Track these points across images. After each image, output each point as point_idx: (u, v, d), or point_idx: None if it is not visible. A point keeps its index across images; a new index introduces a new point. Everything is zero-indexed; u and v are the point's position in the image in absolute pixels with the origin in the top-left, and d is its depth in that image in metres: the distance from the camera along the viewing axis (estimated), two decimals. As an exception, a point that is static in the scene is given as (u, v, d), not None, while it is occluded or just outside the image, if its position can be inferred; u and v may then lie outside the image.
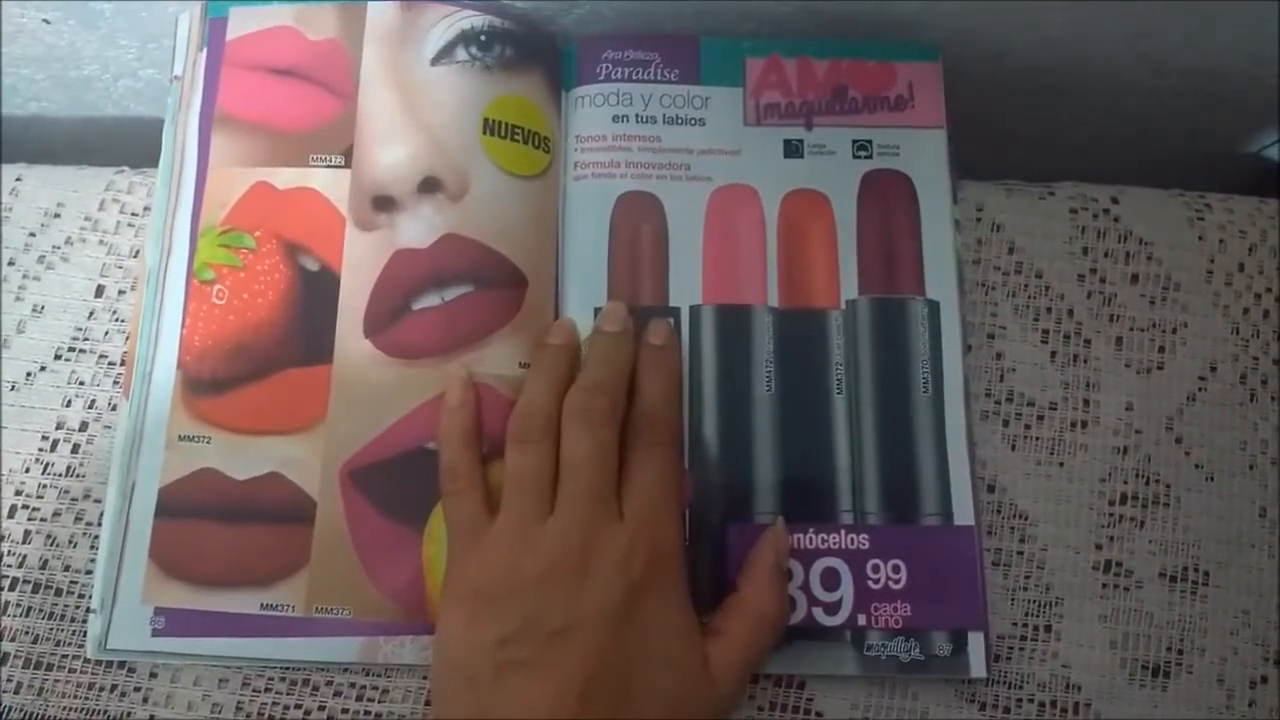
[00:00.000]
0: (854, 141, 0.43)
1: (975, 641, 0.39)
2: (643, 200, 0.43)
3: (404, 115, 0.42)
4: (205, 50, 0.44)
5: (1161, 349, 0.43)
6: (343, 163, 0.42)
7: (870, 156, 0.43)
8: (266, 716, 0.40)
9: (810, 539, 0.40)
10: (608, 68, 0.44)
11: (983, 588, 0.39)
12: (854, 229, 0.42)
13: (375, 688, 0.40)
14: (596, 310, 0.42)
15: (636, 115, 0.43)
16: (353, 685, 0.40)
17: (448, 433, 0.40)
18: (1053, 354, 0.43)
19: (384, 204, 0.41)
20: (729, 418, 0.41)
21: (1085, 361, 0.43)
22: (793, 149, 0.43)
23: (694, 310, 0.42)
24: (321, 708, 0.40)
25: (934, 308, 0.42)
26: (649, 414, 0.39)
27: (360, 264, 0.41)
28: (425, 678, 0.40)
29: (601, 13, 0.45)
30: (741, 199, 0.43)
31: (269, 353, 0.41)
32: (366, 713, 0.40)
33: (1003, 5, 0.43)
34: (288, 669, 0.40)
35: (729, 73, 0.44)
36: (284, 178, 0.42)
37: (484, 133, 0.42)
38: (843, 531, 0.39)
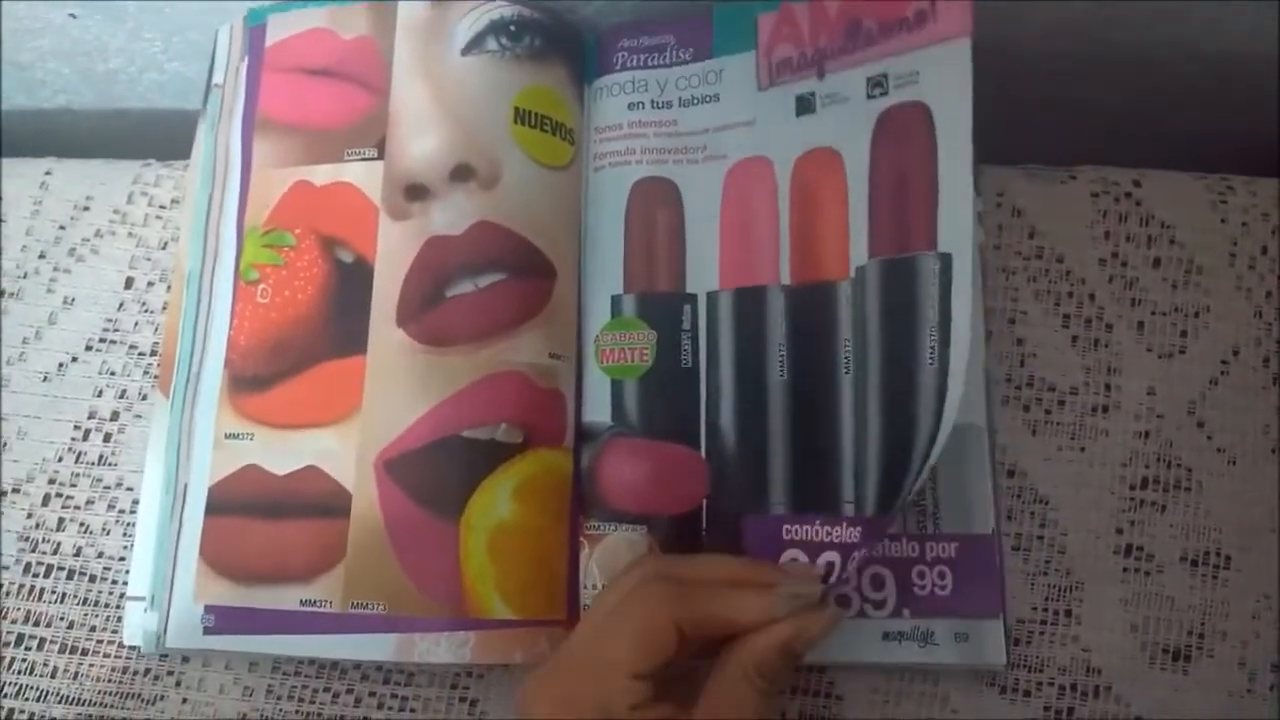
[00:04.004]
0: (868, 80, 0.40)
1: (994, 627, 0.39)
2: (658, 186, 0.43)
3: (435, 105, 0.42)
4: (246, 58, 0.44)
5: (1184, 333, 0.43)
6: (376, 155, 0.42)
7: (886, 93, 0.40)
8: (296, 699, 0.41)
9: (816, 530, 0.38)
10: (624, 56, 0.44)
11: (1001, 573, 0.39)
12: (866, 182, 0.40)
13: (401, 671, 0.41)
14: (614, 299, 0.42)
15: (652, 101, 0.43)
16: (379, 668, 0.41)
17: None
18: (1074, 338, 0.43)
19: (416, 192, 0.41)
20: (745, 407, 0.40)
21: (1107, 346, 0.43)
22: (805, 105, 0.42)
23: (710, 297, 0.42)
24: (349, 690, 0.41)
25: (946, 261, 0.37)
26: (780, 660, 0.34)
27: (393, 253, 0.41)
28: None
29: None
30: (756, 173, 0.42)
31: (307, 346, 0.41)
32: (393, 695, 0.41)
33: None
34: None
35: (742, 37, 0.43)
36: (321, 174, 0.42)
37: (515, 122, 0.42)
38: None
